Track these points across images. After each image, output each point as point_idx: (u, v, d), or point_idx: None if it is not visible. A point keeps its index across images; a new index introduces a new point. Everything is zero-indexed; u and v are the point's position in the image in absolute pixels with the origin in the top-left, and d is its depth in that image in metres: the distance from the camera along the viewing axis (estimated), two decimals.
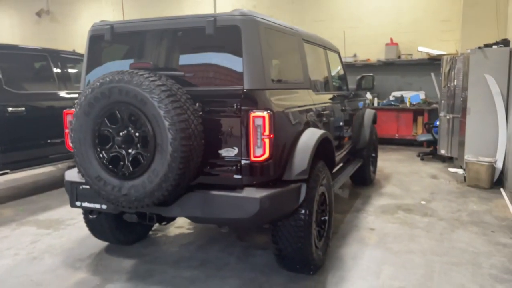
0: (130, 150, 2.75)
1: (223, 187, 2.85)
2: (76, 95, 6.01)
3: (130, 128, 2.73)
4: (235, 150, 2.81)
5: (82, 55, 6.71)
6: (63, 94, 5.90)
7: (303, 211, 3.02)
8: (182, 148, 2.58)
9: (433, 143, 8.25)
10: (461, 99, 6.72)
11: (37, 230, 4.50)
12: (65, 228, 4.54)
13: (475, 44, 6.68)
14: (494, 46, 6.12)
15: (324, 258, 3.42)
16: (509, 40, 6.08)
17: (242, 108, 2.76)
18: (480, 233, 4.19)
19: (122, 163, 2.77)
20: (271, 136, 2.75)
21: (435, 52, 9.32)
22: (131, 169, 2.74)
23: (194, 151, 2.68)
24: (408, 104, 9.60)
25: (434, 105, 9.17)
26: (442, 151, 7.50)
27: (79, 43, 13.04)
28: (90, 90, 2.76)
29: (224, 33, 2.86)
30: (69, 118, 3.32)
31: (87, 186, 3.14)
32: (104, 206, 3.15)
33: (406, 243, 3.95)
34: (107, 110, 2.75)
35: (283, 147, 2.95)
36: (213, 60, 2.95)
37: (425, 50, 9.47)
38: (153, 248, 3.95)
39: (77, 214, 4.93)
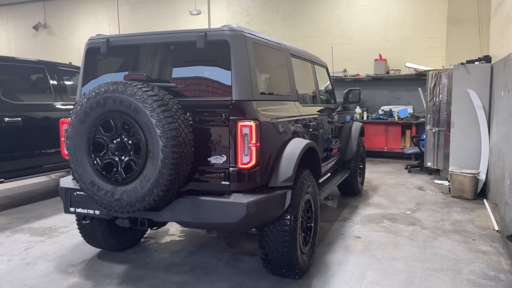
0: (123, 157, 2.89)
1: (212, 193, 3.00)
2: (72, 106, 6.16)
3: (123, 136, 2.88)
4: (224, 158, 2.96)
5: (78, 68, 6.87)
6: (58, 105, 6.03)
7: (288, 217, 3.16)
8: (172, 155, 2.73)
9: (420, 155, 8.45)
10: (446, 113, 6.94)
11: (31, 237, 4.58)
12: (58, 235, 4.64)
13: (458, 60, 6.93)
14: (477, 62, 6.36)
15: (309, 263, 3.55)
16: (491, 57, 6.33)
17: (231, 117, 2.91)
18: (462, 241, 4.34)
19: (115, 169, 2.91)
20: (258, 144, 2.90)
21: (422, 68, 9.59)
22: (124, 175, 2.87)
23: (184, 158, 2.83)
24: (396, 118, 9.83)
25: (422, 119, 9.40)
26: (429, 164, 7.69)
27: (75, 56, 13.23)
28: (86, 99, 2.91)
29: (214, 47, 3.03)
30: (65, 127, 3.47)
31: (81, 192, 3.27)
32: (97, 212, 3.28)
33: (390, 251, 4.09)
34: (102, 118, 2.90)
35: (270, 155, 3.11)
36: (204, 73, 3.12)
37: (412, 66, 9.74)
38: (144, 254, 4.06)
39: (70, 223, 5.03)
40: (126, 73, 3.31)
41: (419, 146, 8.37)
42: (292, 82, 3.89)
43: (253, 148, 2.89)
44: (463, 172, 6.13)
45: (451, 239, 4.41)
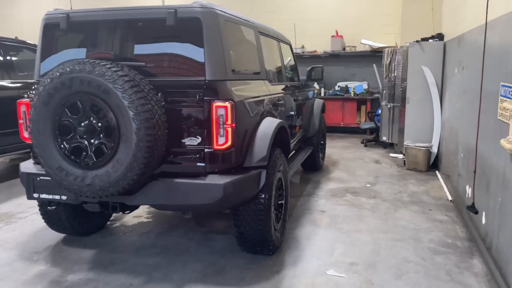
0: (92, 140, 2.78)
1: (186, 175, 2.96)
2: (20, 84, 5.79)
3: (92, 118, 2.76)
4: (198, 139, 2.92)
5: (24, 43, 6.43)
6: (6, 83, 5.64)
7: (262, 196, 3.20)
8: (147, 138, 2.65)
9: (375, 130, 8.76)
10: (401, 89, 7.20)
11: None
12: (16, 221, 4.42)
13: (413, 37, 7.15)
14: (430, 40, 6.61)
15: (281, 239, 3.63)
16: (443, 35, 6.59)
17: (205, 98, 2.86)
18: (420, 212, 4.60)
19: (84, 153, 2.79)
20: (233, 125, 2.88)
21: (377, 44, 9.82)
22: (94, 159, 2.77)
23: (159, 141, 2.76)
24: (352, 94, 10.07)
25: (376, 95, 9.70)
26: (384, 138, 8.00)
27: (17, 29, 12.34)
28: (49, 80, 2.74)
29: (185, 24, 2.94)
30: (23, 109, 3.26)
31: (46, 178, 3.12)
32: (64, 197, 3.15)
33: (355, 223, 4.26)
34: (68, 100, 2.75)
35: (244, 136, 3.10)
36: (174, 51, 3.03)
37: (367, 42, 9.95)
38: (112, 238, 3.97)
39: (28, 208, 4.80)
40: (88, 50, 3.14)
41: (375, 121, 8.66)
42: (261, 60, 3.87)
43: (229, 129, 2.87)
44: (417, 146, 6.44)
45: (410, 210, 4.66)
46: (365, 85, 10.26)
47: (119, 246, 3.78)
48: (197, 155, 2.93)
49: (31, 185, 3.21)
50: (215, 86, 2.91)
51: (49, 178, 3.10)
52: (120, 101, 2.63)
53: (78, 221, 3.79)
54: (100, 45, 3.15)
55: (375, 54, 9.83)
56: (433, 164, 6.52)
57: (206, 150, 2.91)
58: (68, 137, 2.81)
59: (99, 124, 2.75)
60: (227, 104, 2.85)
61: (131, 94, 2.62)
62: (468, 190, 4.16)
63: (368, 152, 8.03)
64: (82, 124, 2.77)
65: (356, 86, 10.17)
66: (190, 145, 2.94)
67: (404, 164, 6.70)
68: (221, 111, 2.85)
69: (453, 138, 5.24)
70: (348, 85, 10.29)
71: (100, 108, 2.70)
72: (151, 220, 4.43)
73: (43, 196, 3.20)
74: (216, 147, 2.89)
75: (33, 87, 3.14)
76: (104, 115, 2.71)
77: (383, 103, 7.99)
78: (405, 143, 6.64)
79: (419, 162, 6.42)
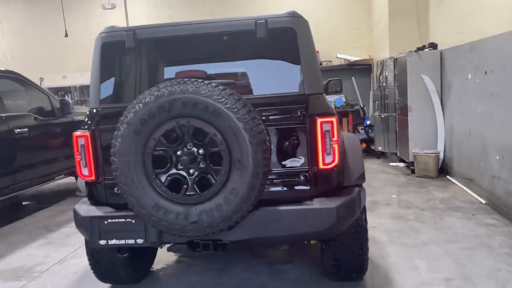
0: (194, 170, 2.41)
1: (288, 200, 2.66)
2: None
3: (193, 145, 2.40)
4: (301, 160, 2.65)
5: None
6: None
7: (361, 217, 2.96)
8: (264, 162, 2.34)
9: (366, 141, 8.83)
10: (398, 99, 7.30)
11: (5, 283, 3.68)
12: (39, 276, 3.78)
13: (401, 49, 7.32)
14: (426, 49, 6.79)
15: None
16: (436, 44, 6.81)
17: (308, 114, 2.61)
18: (465, 217, 4.57)
19: (185, 186, 2.41)
20: (339, 141, 2.65)
21: (352, 58, 10.02)
22: (199, 192, 2.40)
23: (270, 165, 2.46)
24: (333, 107, 10.15)
25: (356, 107, 9.83)
26: (380, 148, 8.06)
27: None
28: (141, 105, 2.35)
29: (277, 35, 2.68)
30: (81, 142, 2.78)
31: (115, 220, 2.69)
32: (140, 240, 2.70)
33: (414, 236, 4.12)
34: (164, 127, 2.37)
35: (344, 152, 2.86)
36: (266, 65, 2.77)
37: (343, 56, 10.13)
38: (169, 281, 3.51)
39: (44, 258, 4.17)
40: (164, 70, 2.78)
41: (366, 131, 8.76)
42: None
43: (335, 146, 2.62)
44: (426, 153, 6.51)
45: (455, 217, 4.62)
46: (343, 98, 10.39)
47: None
48: (301, 178, 2.65)
49: (97, 231, 2.73)
50: (315, 100, 2.67)
51: (119, 221, 2.67)
52: (233, 122, 2.30)
53: (133, 266, 3.31)
54: (175, 62, 2.80)
55: (352, 68, 10.02)
56: (440, 169, 6.62)
57: (310, 171, 2.64)
58: (163, 169, 2.42)
59: (201, 151, 2.40)
60: (332, 118, 2.61)
61: (245, 114, 2.31)
62: None
63: (366, 163, 8.02)
64: (182, 152, 2.40)
65: (336, 99, 10.24)
66: (291, 167, 2.66)
67: (412, 172, 6.74)
68: (327, 127, 2.60)
69: (476, 142, 5.33)
70: (329, 99, 10.34)
71: (206, 132, 2.35)
72: (188, 257, 3.95)
73: (113, 242, 2.73)
74: (322, 166, 2.63)
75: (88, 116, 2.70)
76: (210, 141, 2.37)
77: (376, 113, 8.08)
78: (413, 151, 6.70)
79: (430, 168, 6.49)
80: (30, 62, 11.38)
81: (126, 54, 2.85)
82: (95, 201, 2.88)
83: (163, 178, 2.42)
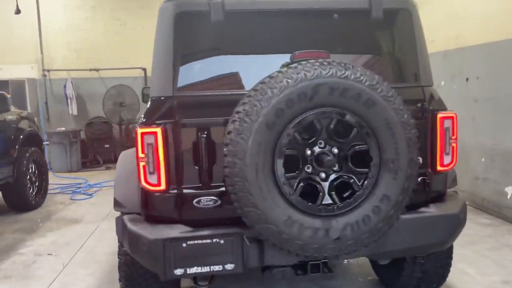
0: (333, 174, 1.94)
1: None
2: None
3: (332, 143, 1.93)
4: (420, 160, 2.33)
5: None
6: None
7: None
8: (419, 162, 1.98)
9: None
10: None
11: None
12: None
13: None
14: None
15: None
16: None
17: (428, 109, 2.32)
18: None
19: (321, 193, 1.93)
20: (457, 139, 2.40)
21: None
22: (339, 201, 1.93)
23: None
24: None
25: None
26: None
27: None
28: (275, 90, 1.81)
29: (390, 17, 2.35)
30: (149, 140, 2.09)
31: (194, 241, 2.08)
32: (229, 266, 2.12)
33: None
34: (302, 118, 1.86)
35: None
36: (378, 50, 2.41)
37: None
38: None
39: None
40: (254, 49, 2.25)
41: None
42: None
43: (454, 145, 2.37)
44: None
45: None
46: None
47: None
48: (419, 180, 2.33)
49: (171, 258, 2.07)
50: (433, 93, 2.39)
51: (203, 242, 2.07)
52: (389, 115, 1.89)
53: None
54: (269, 42, 2.28)
55: None
56: None
57: (428, 173, 2.35)
58: (295, 173, 1.90)
59: (342, 150, 1.95)
60: (453, 114, 2.35)
61: (401, 105, 1.92)
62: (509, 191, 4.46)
63: None
64: (314, 151, 1.92)
65: None
66: None
67: None
68: (448, 123, 2.34)
69: None
70: None
71: (352, 126, 1.90)
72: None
73: (193, 270, 2.10)
74: (439, 168, 2.35)
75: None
76: (355, 137, 1.92)
77: None
78: None
79: None
80: None
81: (210, 29, 2.23)
82: (156, 219, 2.20)
83: (296, 183, 1.90)
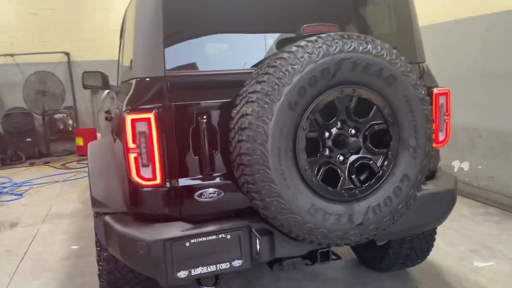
0: (354, 156, 1.82)
1: None
2: None
3: (351, 123, 1.81)
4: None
5: None
6: None
7: None
8: (434, 140, 1.93)
9: None
10: None
11: None
12: None
13: None
14: None
15: None
16: None
17: (425, 85, 2.28)
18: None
19: (341, 177, 1.80)
20: (450, 116, 2.41)
21: None
22: (360, 184, 1.82)
23: None
24: None
25: None
26: None
27: None
28: (298, 66, 1.63)
29: None
30: (141, 128, 1.80)
31: (197, 239, 1.87)
32: (237, 263, 1.94)
33: None
34: (323, 98, 1.71)
35: None
36: (374, 25, 2.32)
37: None
38: None
39: None
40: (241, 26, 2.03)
41: None
42: None
43: (448, 122, 2.37)
44: None
45: None
46: None
47: None
48: None
49: (174, 260, 1.83)
50: (428, 70, 2.36)
51: (208, 239, 1.87)
52: (409, 91, 1.81)
53: None
54: (260, 18, 2.08)
55: None
56: None
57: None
58: (315, 157, 1.75)
59: (361, 130, 1.83)
60: (446, 91, 2.35)
61: (418, 80, 1.85)
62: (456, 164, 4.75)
63: None
64: (333, 133, 1.78)
65: None
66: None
67: None
68: (442, 100, 2.33)
69: None
70: None
71: (372, 104, 1.79)
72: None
73: (198, 271, 1.88)
74: (435, 145, 2.34)
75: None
76: (374, 116, 1.81)
77: None
78: None
79: None
80: None
81: (195, 5, 1.96)
82: (149, 217, 1.93)
83: (318, 168, 1.75)
